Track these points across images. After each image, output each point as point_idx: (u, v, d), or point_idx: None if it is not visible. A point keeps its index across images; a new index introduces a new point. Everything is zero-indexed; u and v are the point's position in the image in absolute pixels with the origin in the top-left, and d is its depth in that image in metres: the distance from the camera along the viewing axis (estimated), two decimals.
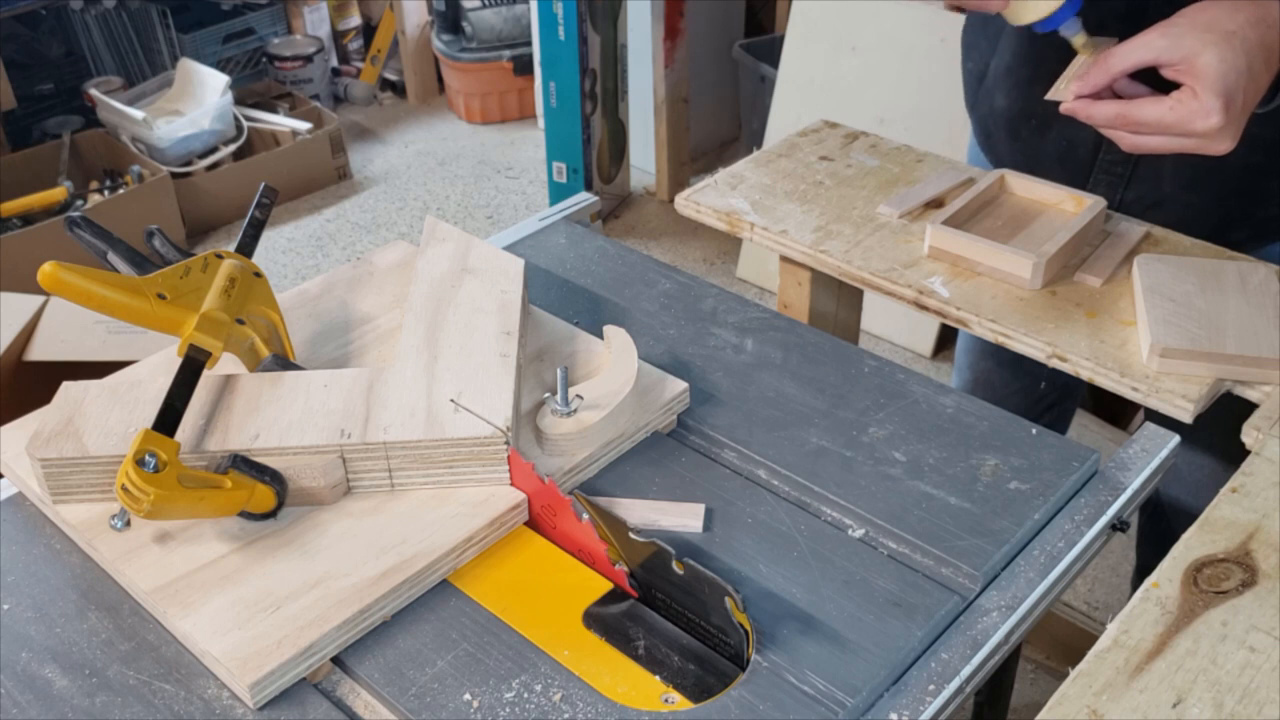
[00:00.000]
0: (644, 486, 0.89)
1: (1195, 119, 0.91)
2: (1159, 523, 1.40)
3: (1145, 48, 0.93)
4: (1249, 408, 0.94)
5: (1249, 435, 0.90)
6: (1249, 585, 0.76)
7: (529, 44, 3.52)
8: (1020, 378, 1.43)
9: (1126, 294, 1.06)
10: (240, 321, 0.90)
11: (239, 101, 3.27)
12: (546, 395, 0.91)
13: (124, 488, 0.75)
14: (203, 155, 3.08)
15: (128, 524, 0.79)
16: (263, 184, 1.03)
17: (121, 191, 2.88)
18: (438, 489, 0.86)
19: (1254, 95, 0.92)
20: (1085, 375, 0.98)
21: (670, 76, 3.06)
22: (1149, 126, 0.94)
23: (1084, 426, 2.17)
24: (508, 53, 3.58)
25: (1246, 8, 0.92)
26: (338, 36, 3.85)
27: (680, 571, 0.75)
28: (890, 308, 1.29)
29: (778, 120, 2.73)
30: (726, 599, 0.73)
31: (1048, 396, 1.45)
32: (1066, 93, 1.00)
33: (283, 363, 0.93)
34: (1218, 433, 1.00)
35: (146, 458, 0.76)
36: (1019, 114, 1.22)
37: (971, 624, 0.78)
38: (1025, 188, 1.18)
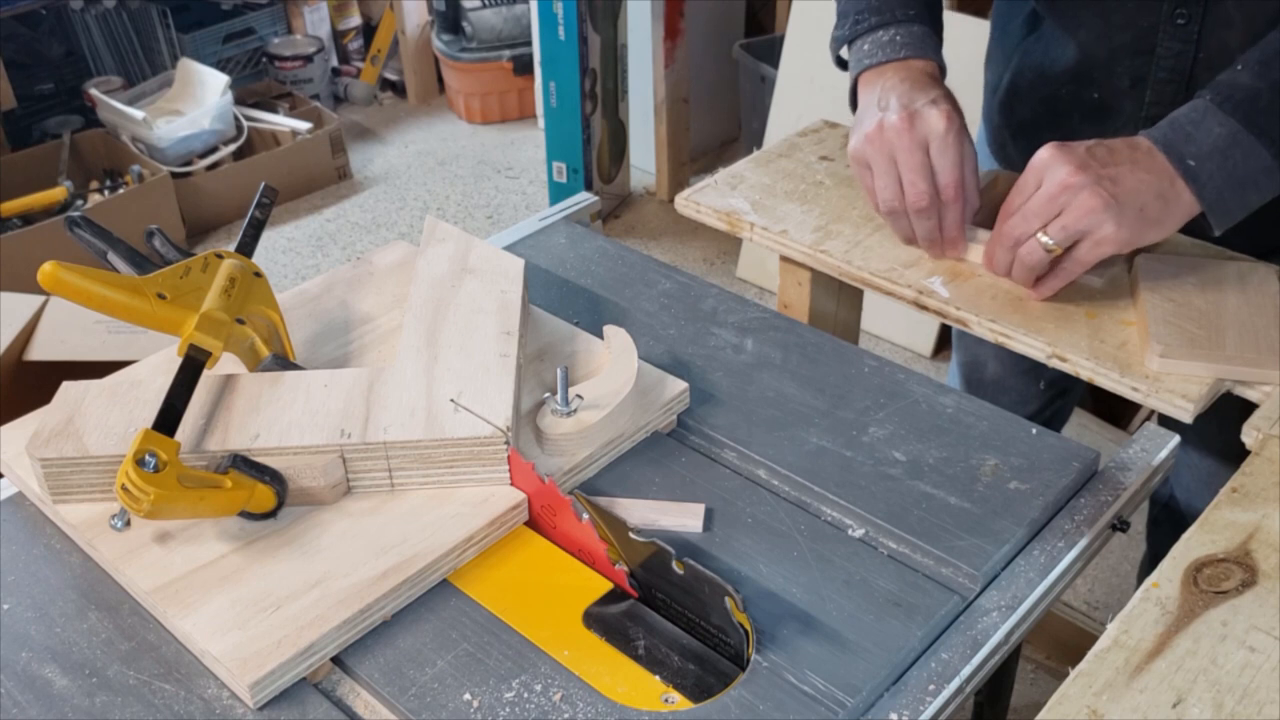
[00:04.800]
0: (644, 486, 0.89)
1: (1045, 170, 0.95)
2: (1174, 512, 1.40)
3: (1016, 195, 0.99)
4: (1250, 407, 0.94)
5: (1249, 435, 0.90)
6: (1249, 585, 0.76)
7: (529, 44, 3.52)
8: (1018, 376, 1.43)
9: (1126, 294, 1.06)
10: (240, 321, 0.90)
11: (239, 101, 3.27)
12: (546, 395, 0.91)
13: (124, 488, 0.75)
14: (203, 155, 3.08)
15: (128, 524, 0.79)
16: (263, 184, 1.03)
17: (121, 191, 2.88)
18: (438, 489, 0.86)
19: (1128, 172, 0.94)
20: (1085, 375, 0.98)
21: (670, 76, 3.06)
22: (1027, 218, 0.97)
23: (1084, 426, 2.17)
24: (508, 53, 3.58)
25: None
26: (338, 36, 3.85)
27: (680, 571, 0.75)
28: (890, 308, 1.30)
29: (778, 120, 2.73)
30: (726, 599, 0.73)
31: (1045, 394, 1.45)
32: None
33: (283, 363, 0.93)
34: (1223, 431, 0.99)
35: (146, 458, 0.76)
36: (1045, 125, 1.22)
37: (971, 624, 0.78)
38: None
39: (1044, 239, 0.96)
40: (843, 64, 1.15)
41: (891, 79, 1.04)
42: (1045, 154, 0.96)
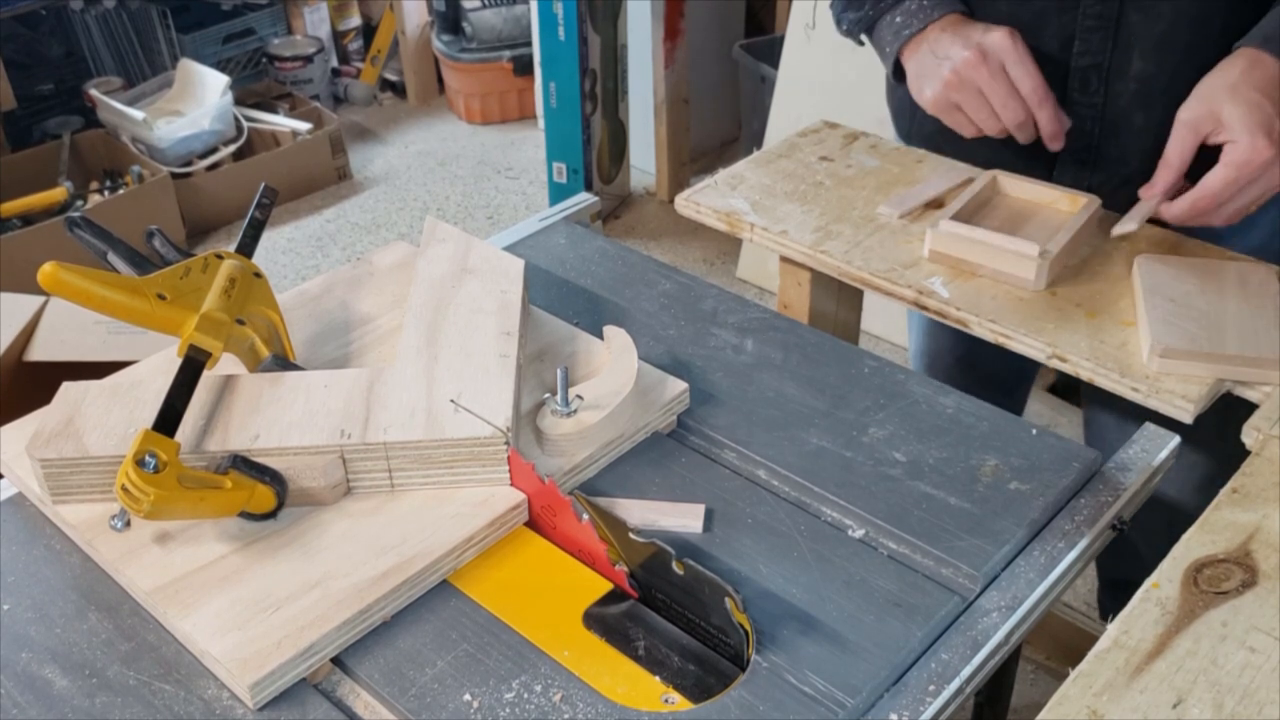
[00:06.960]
0: (644, 487, 0.89)
1: (1251, 160, 0.97)
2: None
3: (1182, 133, 1.02)
4: (1246, 409, 0.94)
5: (1249, 435, 0.90)
6: (1249, 586, 0.76)
7: (529, 44, 3.52)
8: (972, 371, 1.45)
9: (1126, 294, 1.06)
10: (240, 322, 0.90)
11: (239, 102, 3.26)
12: (546, 395, 0.91)
13: (124, 488, 0.75)
14: (203, 155, 3.08)
15: (128, 524, 0.79)
16: (263, 184, 1.03)
17: (121, 192, 2.88)
18: (438, 489, 0.86)
19: None
20: (1085, 375, 0.98)
21: (670, 77, 3.06)
22: (1225, 191, 1.00)
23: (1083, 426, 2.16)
24: (508, 53, 3.57)
25: (1233, 63, 1.01)
26: (338, 37, 3.84)
27: (680, 572, 0.75)
28: (890, 308, 1.30)
29: (778, 120, 2.73)
30: (726, 599, 0.73)
31: (1007, 382, 1.49)
32: (1129, 222, 1.07)
33: (283, 363, 0.93)
34: (1205, 434, 1.00)
35: (146, 458, 0.76)
36: None
37: (971, 624, 0.78)
38: (1019, 188, 1.18)
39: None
40: (857, 38, 1.21)
41: (935, 34, 1.11)
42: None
